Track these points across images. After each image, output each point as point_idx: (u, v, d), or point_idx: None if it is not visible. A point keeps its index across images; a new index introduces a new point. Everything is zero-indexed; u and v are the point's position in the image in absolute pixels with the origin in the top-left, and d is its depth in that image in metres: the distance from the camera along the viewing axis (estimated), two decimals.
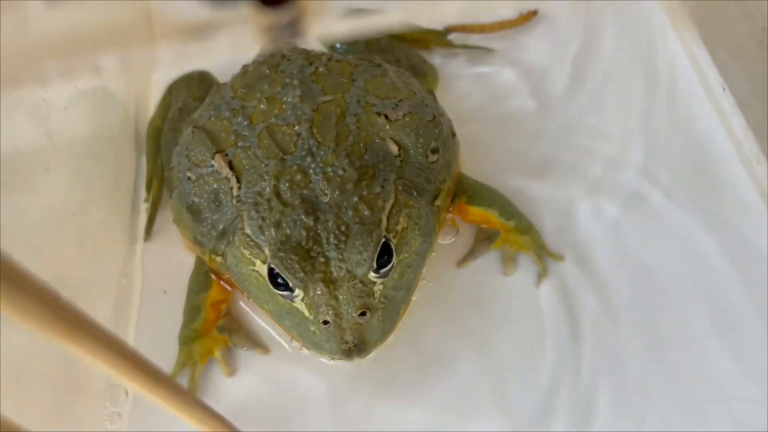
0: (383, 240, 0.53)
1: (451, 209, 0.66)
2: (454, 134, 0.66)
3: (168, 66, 0.86)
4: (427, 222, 0.57)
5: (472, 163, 0.70)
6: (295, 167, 0.56)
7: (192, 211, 0.61)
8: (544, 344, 0.61)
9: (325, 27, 0.31)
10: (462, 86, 0.80)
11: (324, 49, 0.76)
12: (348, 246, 0.52)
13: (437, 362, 0.61)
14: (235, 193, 0.58)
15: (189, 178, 0.61)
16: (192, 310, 0.64)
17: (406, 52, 0.79)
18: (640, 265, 0.65)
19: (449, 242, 0.68)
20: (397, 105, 0.62)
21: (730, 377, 0.58)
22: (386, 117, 0.61)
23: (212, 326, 0.64)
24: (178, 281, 0.68)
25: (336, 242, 0.52)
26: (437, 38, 0.82)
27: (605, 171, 0.72)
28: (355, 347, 0.51)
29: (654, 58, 0.80)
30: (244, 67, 0.69)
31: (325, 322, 0.51)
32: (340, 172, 0.55)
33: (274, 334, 0.64)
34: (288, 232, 0.53)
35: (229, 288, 0.65)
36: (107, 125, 0.74)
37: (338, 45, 0.79)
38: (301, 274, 0.51)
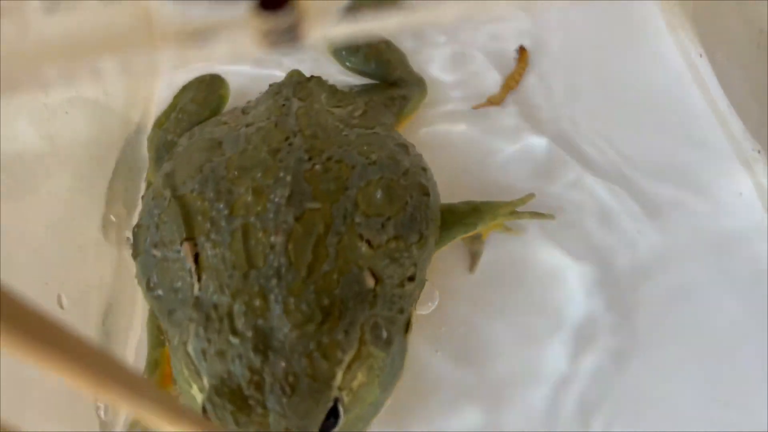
0: (331, 404, 0.47)
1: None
2: (437, 227, 0.61)
3: (168, 70, 0.86)
4: (391, 370, 0.52)
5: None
6: (257, 288, 0.50)
7: (150, 289, 0.56)
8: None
9: (323, 32, 0.32)
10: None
11: (332, 60, 0.79)
12: (291, 403, 0.46)
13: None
14: (195, 293, 0.53)
15: (154, 255, 0.57)
16: (150, 365, 0.60)
17: (401, 60, 0.79)
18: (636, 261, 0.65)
19: (429, 312, 0.64)
20: (383, 225, 0.56)
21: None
22: (369, 243, 0.55)
23: (170, 380, 0.59)
24: None
25: (280, 394, 0.47)
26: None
27: (597, 172, 0.72)
28: None
29: (651, 60, 0.80)
30: (248, 105, 0.69)
31: None
32: (303, 308, 0.49)
33: None
34: (230, 368, 0.48)
35: None
36: (108, 129, 0.75)
37: (343, 53, 0.79)
38: (234, 428, 0.46)
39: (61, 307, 0.58)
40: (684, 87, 0.77)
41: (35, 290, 0.56)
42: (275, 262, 0.51)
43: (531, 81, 0.80)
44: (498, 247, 0.68)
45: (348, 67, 0.80)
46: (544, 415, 0.58)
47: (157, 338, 0.60)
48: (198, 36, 0.33)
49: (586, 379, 0.59)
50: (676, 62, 0.80)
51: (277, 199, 0.54)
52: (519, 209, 0.67)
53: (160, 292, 0.56)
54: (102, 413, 0.61)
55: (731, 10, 0.70)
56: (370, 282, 0.53)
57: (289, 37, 0.31)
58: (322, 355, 0.48)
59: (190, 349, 0.50)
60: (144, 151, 0.78)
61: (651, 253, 0.66)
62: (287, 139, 0.61)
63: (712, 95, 0.75)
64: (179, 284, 0.54)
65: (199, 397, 0.49)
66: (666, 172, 0.71)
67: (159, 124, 0.76)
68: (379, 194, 0.57)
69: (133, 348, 0.66)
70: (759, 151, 0.69)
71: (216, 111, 0.76)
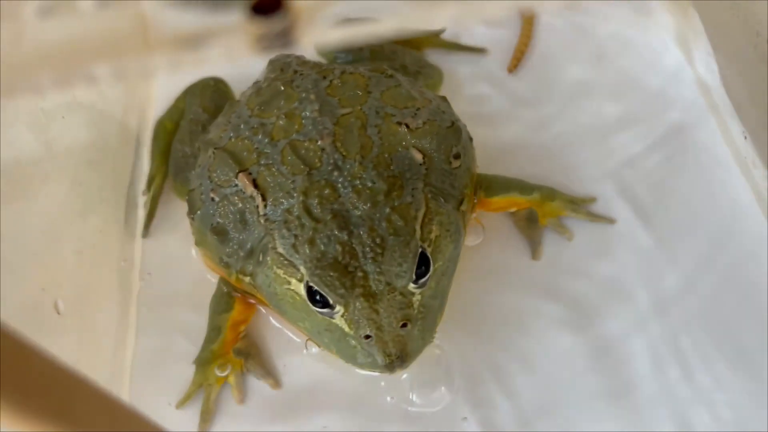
0: (420, 250, 0.53)
1: (473, 208, 0.66)
2: (470, 138, 0.66)
3: (163, 74, 0.86)
4: (456, 228, 0.57)
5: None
6: (323, 182, 0.56)
7: (217, 233, 0.60)
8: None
9: (316, 36, 0.32)
10: (463, 86, 0.80)
11: (324, 62, 0.76)
12: (385, 259, 0.52)
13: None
14: (261, 212, 0.58)
15: (212, 199, 0.61)
16: (213, 331, 0.63)
17: (412, 57, 0.78)
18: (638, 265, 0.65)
19: (477, 243, 0.68)
20: (415, 114, 0.62)
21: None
22: (407, 126, 0.61)
23: (230, 348, 0.63)
24: (177, 289, 0.69)
25: (373, 255, 0.52)
26: (430, 39, 0.82)
27: (604, 175, 0.72)
28: (398, 359, 0.51)
29: (648, 60, 0.80)
30: (256, 84, 0.69)
31: (367, 337, 0.51)
32: (369, 184, 0.56)
33: (291, 335, 0.64)
34: (323, 248, 0.53)
35: (255, 304, 0.64)
36: (105, 133, 0.74)
37: (339, 55, 0.78)
38: (342, 290, 0.51)
39: (58, 312, 0.58)
40: (684, 88, 0.78)
41: (32, 296, 0.56)
42: (330, 159, 0.57)
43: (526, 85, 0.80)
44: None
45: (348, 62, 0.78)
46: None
47: (226, 303, 0.63)
48: (193, 40, 0.34)
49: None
50: (674, 59, 0.80)
51: (309, 114, 0.61)
52: (579, 206, 0.68)
53: (227, 231, 0.59)
54: None
55: (727, 12, 0.70)
56: (418, 156, 0.59)
57: (281, 41, 0.31)
58: (399, 215, 0.54)
59: (280, 249, 0.55)
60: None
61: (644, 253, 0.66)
62: (296, 71, 0.66)
63: (712, 97, 0.75)
64: (246, 215, 0.59)
65: (301, 287, 0.53)
66: (661, 173, 0.71)
67: (164, 128, 0.77)
68: (403, 91, 0.64)
69: (131, 354, 0.66)
70: (757, 153, 0.69)
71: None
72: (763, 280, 0.63)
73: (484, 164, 0.68)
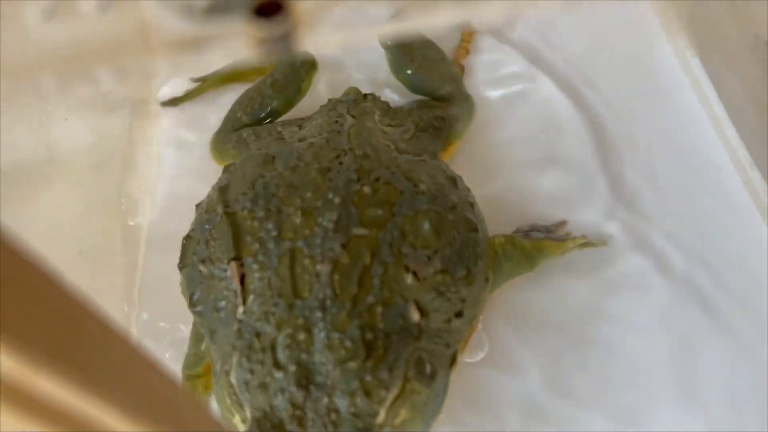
0: None
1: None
2: (487, 280, 0.60)
3: (165, 77, 0.87)
4: (433, 405, 0.52)
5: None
6: (301, 320, 0.51)
7: (193, 305, 0.57)
8: None
9: (319, 39, 0.32)
10: None
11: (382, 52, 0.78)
12: None
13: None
14: (238, 316, 0.53)
15: (200, 271, 0.58)
16: (194, 356, 0.61)
17: (453, 76, 0.77)
18: (633, 270, 0.66)
19: (478, 359, 0.63)
20: (429, 258, 0.56)
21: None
22: (415, 275, 0.54)
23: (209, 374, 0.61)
24: (180, 293, 0.68)
25: (322, 431, 0.47)
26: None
27: (596, 180, 0.72)
28: None
29: (646, 65, 0.81)
30: (299, 123, 0.70)
31: None
32: (347, 344, 0.50)
33: None
34: (273, 402, 0.48)
35: None
36: (107, 136, 0.75)
37: (398, 60, 0.78)
38: None
39: None
40: (681, 93, 0.78)
41: None
42: (320, 293, 0.52)
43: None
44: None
45: (398, 76, 0.78)
46: None
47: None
48: (194, 44, 0.34)
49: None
50: (672, 67, 0.80)
51: (324, 223, 0.55)
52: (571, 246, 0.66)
53: (202, 309, 0.56)
54: None
55: (725, 14, 0.71)
56: (416, 316, 0.53)
57: (284, 45, 0.31)
58: (365, 393, 0.48)
59: (233, 379, 0.50)
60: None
61: (641, 258, 0.66)
62: (338, 157, 0.61)
63: (709, 101, 0.76)
64: (223, 304, 0.55)
65: (242, 427, 0.50)
66: (659, 177, 0.72)
67: (241, 71, 0.81)
68: (426, 226, 0.57)
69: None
70: (754, 156, 0.70)
71: (291, 102, 0.77)
72: (763, 282, 0.63)
73: None
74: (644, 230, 0.68)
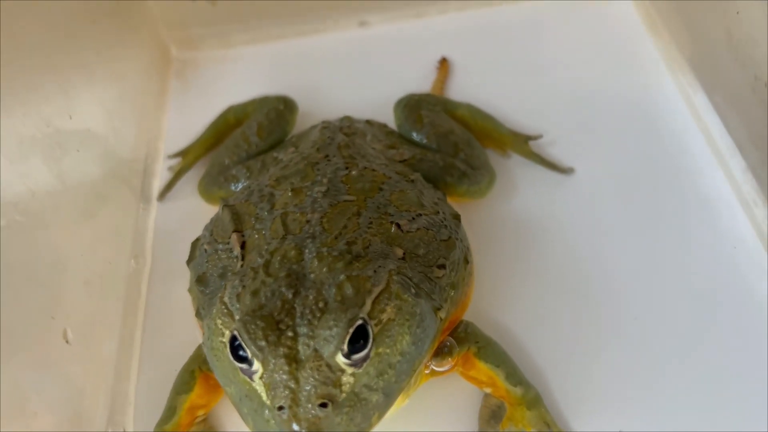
0: (360, 321, 0.47)
1: (454, 360, 0.59)
2: (467, 261, 0.62)
3: (176, 108, 0.89)
4: (421, 323, 0.51)
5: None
6: (292, 245, 0.53)
7: (200, 281, 0.59)
8: None
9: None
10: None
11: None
12: (320, 321, 0.47)
13: None
14: (236, 270, 0.56)
15: (205, 250, 0.61)
16: (169, 410, 0.60)
17: (473, 151, 0.75)
18: (647, 306, 0.66)
19: (444, 369, 0.59)
20: (413, 218, 0.59)
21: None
22: (398, 226, 0.57)
23: (184, 429, 0.61)
24: (181, 322, 0.69)
25: (310, 318, 0.47)
26: (515, 142, 0.79)
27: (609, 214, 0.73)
28: None
29: (651, 103, 0.82)
30: (292, 142, 0.73)
31: (280, 408, 0.46)
32: (335, 253, 0.52)
33: None
34: (263, 301, 0.49)
35: (220, 389, 0.60)
36: (117, 167, 0.76)
37: (405, 124, 0.76)
38: (263, 343, 0.47)
39: (67, 341, 0.59)
40: (685, 129, 0.79)
41: (42, 324, 0.57)
42: (310, 230, 0.55)
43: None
44: None
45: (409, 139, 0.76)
46: None
47: (186, 384, 0.61)
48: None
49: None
50: (675, 102, 0.82)
51: (314, 194, 0.60)
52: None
53: (208, 283, 0.58)
54: None
55: (726, 55, 0.72)
56: (398, 253, 0.56)
57: None
58: (352, 285, 0.49)
59: (225, 298, 0.51)
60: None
61: (650, 293, 0.66)
62: (326, 157, 0.66)
63: (713, 137, 0.76)
64: (226, 272, 0.57)
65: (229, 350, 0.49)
66: (664, 211, 0.72)
67: (225, 119, 0.84)
68: (412, 196, 0.61)
69: (133, 384, 0.67)
70: (758, 192, 0.70)
71: (277, 142, 0.78)
72: (763, 315, 0.64)
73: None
74: (642, 265, 0.68)
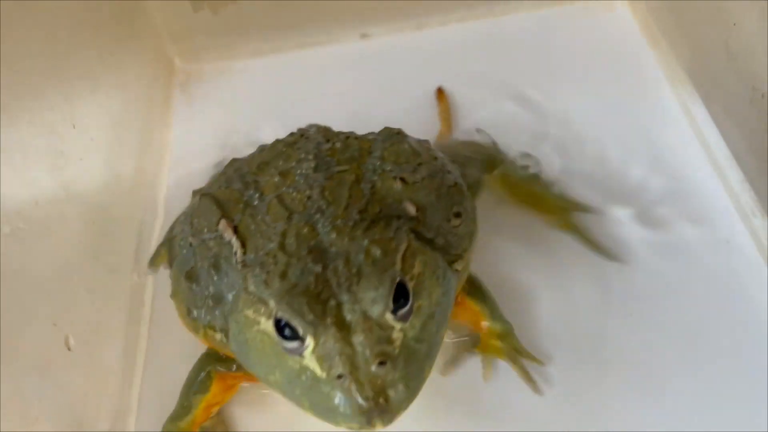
0: (399, 279, 0.48)
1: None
2: (474, 206, 0.62)
3: (179, 120, 0.90)
4: (444, 274, 0.53)
5: None
6: (302, 223, 0.53)
7: (189, 277, 0.57)
8: None
9: None
10: None
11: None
12: (361, 286, 0.47)
13: None
14: (239, 259, 0.54)
15: (190, 244, 0.59)
16: (183, 408, 0.60)
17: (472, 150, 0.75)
18: (639, 319, 0.66)
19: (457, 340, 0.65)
20: (415, 169, 0.59)
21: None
22: (403, 180, 0.57)
23: (197, 427, 0.61)
24: (186, 331, 0.69)
25: (348, 285, 0.47)
26: (562, 212, 0.74)
27: (605, 224, 0.73)
28: (377, 407, 0.44)
29: (649, 113, 0.83)
30: (261, 147, 0.68)
31: (339, 376, 0.45)
32: (350, 223, 0.52)
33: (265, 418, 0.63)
34: (294, 280, 0.48)
35: (234, 386, 0.62)
36: (120, 176, 0.77)
37: None
38: (311, 317, 0.46)
39: (69, 348, 0.59)
40: (683, 140, 0.79)
41: (44, 331, 0.57)
42: (314, 205, 0.54)
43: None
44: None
45: None
46: None
47: (203, 384, 0.60)
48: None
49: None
50: (674, 112, 0.82)
51: (304, 172, 0.58)
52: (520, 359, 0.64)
53: (199, 277, 0.56)
54: None
55: (724, 66, 0.72)
56: (412, 209, 0.55)
57: None
58: (378, 247, 0.49)
59: (251, 288, 0.50)
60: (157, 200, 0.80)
61: (648, 306, 0.67)
62: (302, 135, 0.65)
63: (711, 148, 0.77)
64: (220, 261, 0.55)
65: (269, 325, 0.48)
66: (662, 224, 0.72)
67: None
68: (406, 146, 0.61)
69: (138, 393, 0.67)
70: (757, 203, 0.70)
71: None
72: (763, 326, 0.64)
73: None
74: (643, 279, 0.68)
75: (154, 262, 0.72)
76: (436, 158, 0.62)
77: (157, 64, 0.93)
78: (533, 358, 0.63)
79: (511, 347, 0.63)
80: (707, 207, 0.73)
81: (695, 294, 0.67)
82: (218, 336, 0.55)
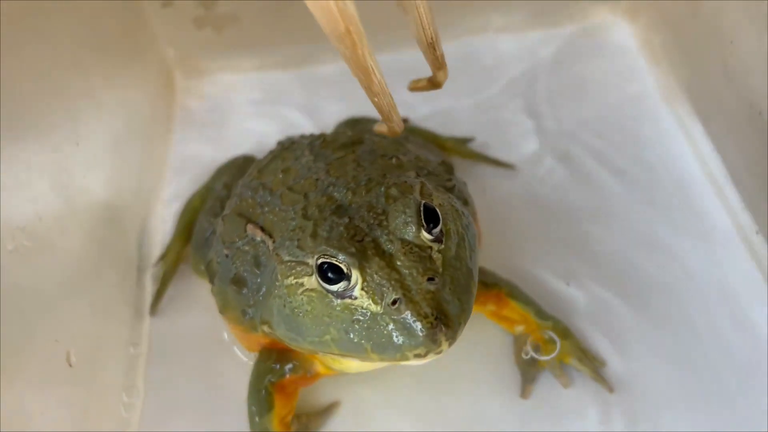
0: (423, 202, 0.51)
1: (487, 300, 0.64)
2: (466, 201, 0.63)
3: (181, 139, 0.90)
4: (461, 208, 0.56)
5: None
6: (320, 195, 0.57)
7: (236, 282, 0.59)
8: None
9: None
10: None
11: None
12: (390, 216, 0.50)
13: None
14: (271, 247, 0.56)
15: (226, 256, 0.61)
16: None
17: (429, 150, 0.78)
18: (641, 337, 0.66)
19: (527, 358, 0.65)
20: (406, 153, 0.65)
21: None
22: (398, 158, 0.62)
23: None
24: (188, 348, 0.70)
25: (378, 223, 0.50)
26: (458, 147, 0.84)
27: (603, 244, 0.74)
28: (437, 321, 0.45)
29: (648, 131, 0.83)
30: (258, 162, 0.72)
31: (394, 302, 0.46)
32: (363, 183, 0.55)
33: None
34: (326, 235, 0.51)
35: (296, 390, 0.63)
36: (123, 192, 0.77)
37: None
38: (353, 250, 0.48)
39: (70, 364, 0.59)
40: (682, 159, 0.80)
41: (45, 346, 0.57)
42: (325, 181, 0.58)
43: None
44: None
45: None
46: None
47: (266, 402, 0.61)
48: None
49: None
50: (673, 133, 0.83)
51: (304, 164, 0.63)
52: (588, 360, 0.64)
53: (245, 278, 0.59)
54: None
55: (722, 84, 0.73)
56: (413, 174, 0.58)
57: None
58: (396, 189, 0.53)
59: (286, 257, 0.52)
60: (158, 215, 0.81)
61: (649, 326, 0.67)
62: (292, 142, 0.71)
63: (710, 167, 0.77)
64: (259, 257, 0.58)
65: (313, 280, 0.50)
66: (663, 240, 0.73)
67: (192, 206, 0.80)
68: (391, 141, 0.66)
69: (140, 407, 0.67)
70: (755, 221, 0.71)
71: None
72: (763, 344, 0.64)
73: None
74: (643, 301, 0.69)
75: (162, 260, 0.77)
76: (419, 146, 0.70)
77: (160, 80, 0.94)
78: (596, 360, 0.64)
79: (576, 348, 0.64)
80: (706, 225, 0.74)
81: (693, 314, 0.67)
82: (267, 328, 0.56)
